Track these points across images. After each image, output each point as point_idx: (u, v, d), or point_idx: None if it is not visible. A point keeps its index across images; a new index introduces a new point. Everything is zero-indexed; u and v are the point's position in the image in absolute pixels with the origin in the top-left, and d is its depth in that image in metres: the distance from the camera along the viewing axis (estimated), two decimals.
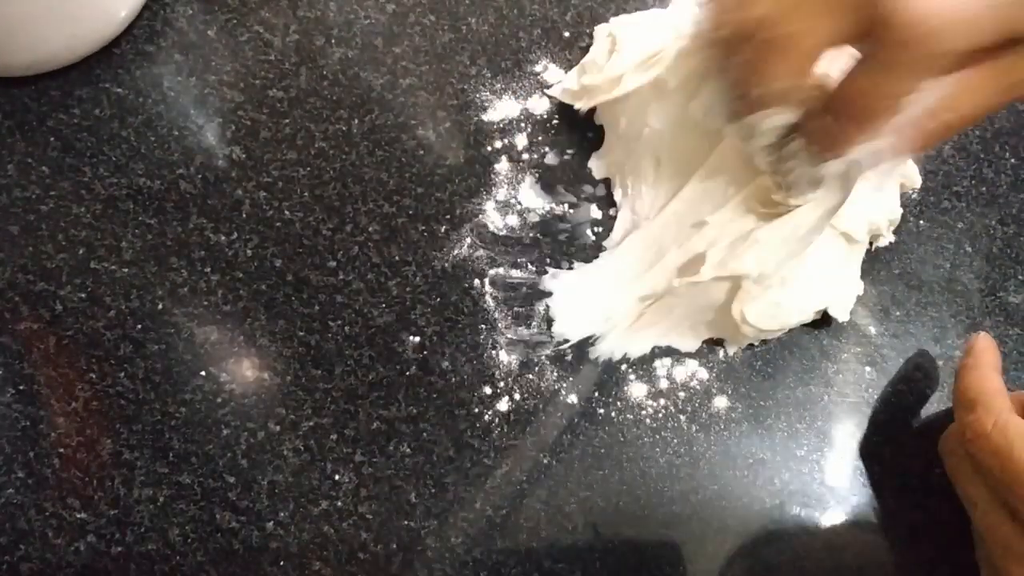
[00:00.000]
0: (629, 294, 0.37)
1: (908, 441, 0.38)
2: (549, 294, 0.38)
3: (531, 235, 0.39)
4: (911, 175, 0.39)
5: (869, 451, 0.37)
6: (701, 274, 0.35)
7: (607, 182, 0.41)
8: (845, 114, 0.28)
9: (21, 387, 0.34)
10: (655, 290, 0.36)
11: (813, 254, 0.36)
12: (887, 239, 0.39)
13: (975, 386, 0.32)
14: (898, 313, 0.40)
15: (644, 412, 0.37)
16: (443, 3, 0.43)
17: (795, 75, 0.28)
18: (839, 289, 0.37)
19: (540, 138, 0.41)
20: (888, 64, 0.26)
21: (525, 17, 0.43)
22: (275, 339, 0.36)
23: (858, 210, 0.36)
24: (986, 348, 0.34)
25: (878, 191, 0.38)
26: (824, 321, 0.38)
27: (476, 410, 0.36)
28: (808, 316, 0.37)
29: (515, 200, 0.40)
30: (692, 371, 0.38)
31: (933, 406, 0.38)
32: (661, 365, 0.38)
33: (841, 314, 0.37)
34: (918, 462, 0.37)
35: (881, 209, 0.38)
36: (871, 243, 0.39)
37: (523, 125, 0.41)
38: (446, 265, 0.38)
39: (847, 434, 0.37)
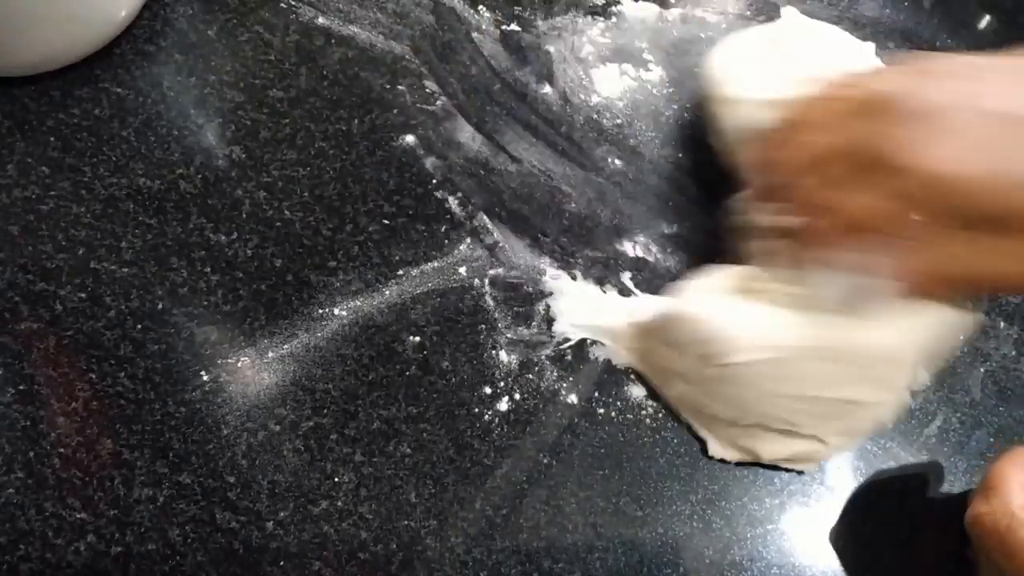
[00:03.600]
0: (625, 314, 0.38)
1: (908, 441, 0.38)
2: (549, 294, 0.38)
3: (531, 235, 0.39)
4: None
5: (869, 451, 0.37)
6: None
7: None
8: (832, 216, 0.30)
9: (21, 387, 0.34)
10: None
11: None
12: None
13: (1001, 473, 0.31)
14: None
15: (644, 412, 0.37)
16: (443, 3, 0.43)
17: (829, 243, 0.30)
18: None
19: None
20: (894, 194, 0.28)
21: None
22: (275, 339, 0.36)
23: None
24: None
25: None
26: None
27: (476, 410, 0.36)
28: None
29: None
30: None
31: (932, 405, 0.38)
32: None
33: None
34: (917, 462, 0.37)
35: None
36: None
37: None
38: (446, 265, 0.38)
39: None
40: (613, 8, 0.45)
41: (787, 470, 0.36)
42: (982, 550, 0.31)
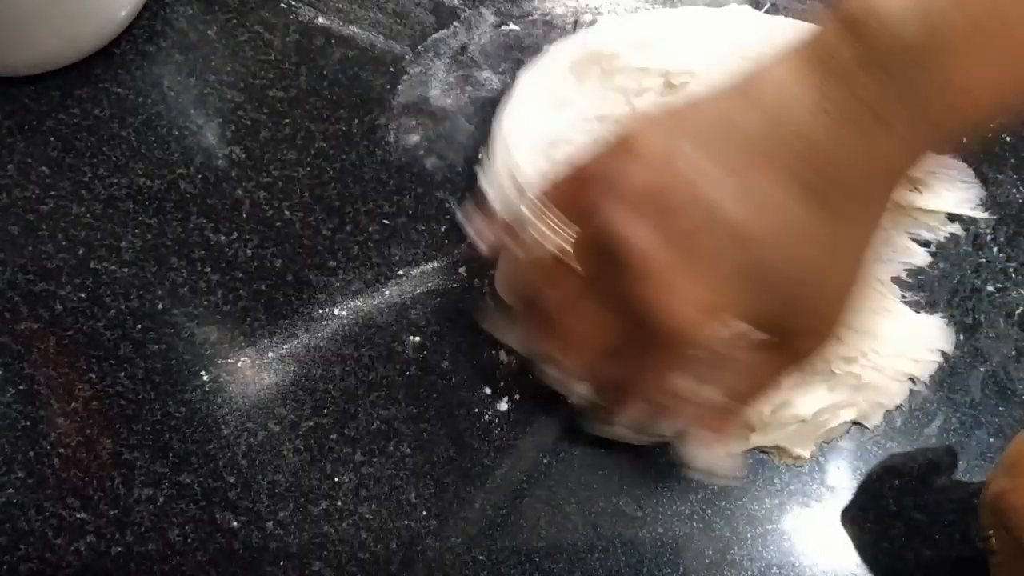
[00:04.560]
0: None
1: (908, 441, 0.38)
2: None
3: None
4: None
5: (868, 451, 0.37)
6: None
7: None
8: (614, 386, 0.30)
9: (21, 387, 0.34)
10: None
11: None
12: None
13: (1023, 450, 0.31)
14: None
15: None
16: (443, 3, 0.43)
17: (573, 361, 0.30)
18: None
19: None
20: (648, 350, 0.28)
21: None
22: (275, 339, 0.36)
23: None
24: None
25: None
26: None
27: (476, 410, 0.36)
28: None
29: None
30: None
31: (932, 405, 0.38)
32: None
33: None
34: (917, 462, 0.37)
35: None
36: None
37: None
38: (446, 265, 0.38)
39: (846, 435, 0.37)
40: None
41: (787, 469, 0.36)
42: (1005, 529, 0.30)
